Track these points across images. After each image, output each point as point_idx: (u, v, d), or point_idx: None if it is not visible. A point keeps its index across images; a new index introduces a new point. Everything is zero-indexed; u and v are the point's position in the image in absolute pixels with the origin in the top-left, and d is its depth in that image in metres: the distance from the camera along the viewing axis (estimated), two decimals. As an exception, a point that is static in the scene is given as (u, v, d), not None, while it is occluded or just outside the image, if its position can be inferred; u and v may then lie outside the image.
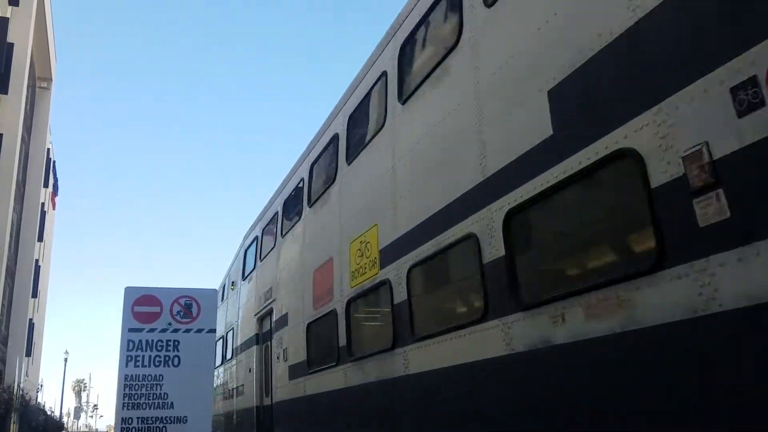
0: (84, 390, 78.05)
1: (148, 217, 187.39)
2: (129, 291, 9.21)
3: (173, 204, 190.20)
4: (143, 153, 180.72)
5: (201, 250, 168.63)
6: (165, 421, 8.90)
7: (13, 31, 24.72)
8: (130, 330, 9.10)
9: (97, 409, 70.55)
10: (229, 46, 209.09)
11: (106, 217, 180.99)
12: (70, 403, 74.41)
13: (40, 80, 32.91)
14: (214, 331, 9.56)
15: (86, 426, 71.75)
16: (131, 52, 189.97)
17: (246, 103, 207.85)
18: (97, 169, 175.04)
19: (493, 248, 4.96)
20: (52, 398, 68.71)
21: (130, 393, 8.91)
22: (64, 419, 53.04)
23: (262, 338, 12.72)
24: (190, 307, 9.36)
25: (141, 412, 8.88)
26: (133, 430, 8.79)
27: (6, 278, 27.28)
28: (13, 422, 22.52)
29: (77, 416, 65.26)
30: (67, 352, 48.94)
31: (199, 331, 9.36)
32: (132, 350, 9.04)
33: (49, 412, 36.02)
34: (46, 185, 35.45)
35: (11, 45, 24.50)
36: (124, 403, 8.87)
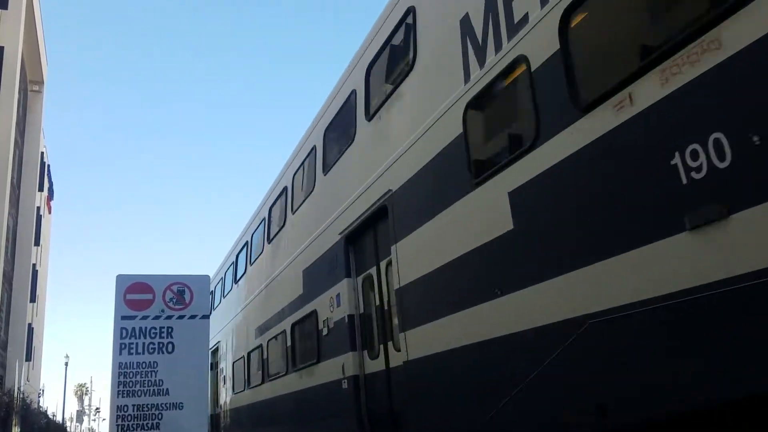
0: (86, 394, 78.02)
1: (147, 220, 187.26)
2: (121, 279, 9.20)
3: (172, 205, 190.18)
4: (140, 154, 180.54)
5: (203, 250, 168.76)
6: (161, 408, 8.89)
7: (2, 34, 24.66)
8: (123, 318, 9.09)
9: (99, 412, 70.47)
10: (226, 48, 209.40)
11: (104, 220, 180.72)
12: (72, 407, 74.42)
13: (31, 83, 32.84)
14: (207, 317, 9.55)
15: (89, 429, 71.71)
16: (125, 53, 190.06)
17: (244, 104, 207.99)
18: (93, 173, 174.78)
19: None
20: (54, 403, 68.67)
21: (125, 381, 8.90)
22: (67, 423, 53.04)
23: None
24: (182, 293, 9.35)
25: (136, 400, 8.87)
26: (129, 417, 8.78)
27: (3, 283, 27.23)
28: (15, 425, 22.48)
29: (80, 420, 65.21)
30: (67, 356, 48.89)
31: (193, 317, 9.35)
32: (125, 338, 9.03)
33: (51, 416, 36.01)
34: (41, 189, 35.35)
35: (1, 48, 24.42)
36: (119, 390, 8.87)
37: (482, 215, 5.23)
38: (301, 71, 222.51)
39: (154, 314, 9.20)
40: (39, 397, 34.99)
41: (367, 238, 7.90)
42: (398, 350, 6.78)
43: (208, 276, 10.15)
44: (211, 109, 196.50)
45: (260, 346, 12.04)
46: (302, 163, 10.32)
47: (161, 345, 9.10)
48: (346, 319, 8.02)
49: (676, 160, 3.43)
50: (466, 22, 5.69)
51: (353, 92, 8.31)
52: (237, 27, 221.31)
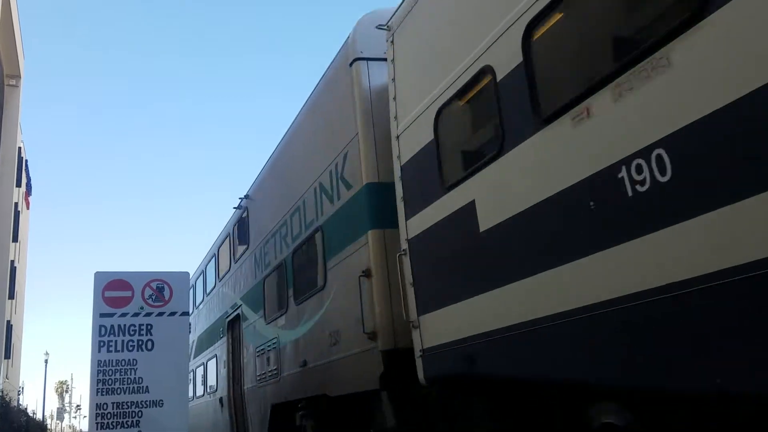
0: (67, 391, 77.38)
1: (127, 216, 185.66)
2: (99, 276, 9.14)
3: (153, 201, 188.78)
4: (121, 149, 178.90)
5: (184, 247, 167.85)
6: (140, 406, 8.87)
7: (-23, 27, 24.21)
8: (102, 315, 9.04)
9: (80, 409, 69.94)
10: (208, 43, 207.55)
11: (84, 216, 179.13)
12: (53, 404, 73.76)
13: (8, 78, 32.32)
14: (187, 313, 9.53)
15: (70, 427, 71.12)
16: (104, 48, 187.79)
17: (229, 99, 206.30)
18: (73, 168, 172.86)
19: None
20: (34, 400, 68.11)
21: (104, 378, 8.86)
22: (47, 421, 52.57)
23: None
24: (162, 290, 9.31)
25: (115, 398, 8.83)
26: (109, 415, 8.74)
27: (-19, 280, 26.85)
28: (-6, 424, 22.25)
29: (60, 417, 64.67)
30: (47, 353, 48.46)
31: (172, 314, 9.31)
32: (104, 335, 8.98)
33: (31, 414, 35.65)
34: (19, 185, 34.86)
35: (-24, 41, 24.00)
36: (98, 389, 8.83)
37: None
38: (285, 61, 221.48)
39: (133, 311, 9.16)
40: (18, 395, 34.64)
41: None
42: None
43: (188, 273, 10.09)
44: (192, 104, 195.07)
45: None
46: None
47: (140, 342, 9.06)
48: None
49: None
50: None
51: None
52: (221, 18, 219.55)
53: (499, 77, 4.46)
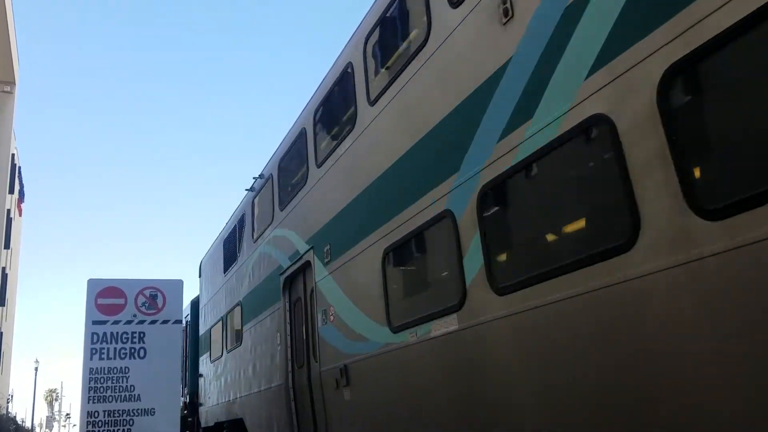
0: (56, 400, 76.78)
1: (121, 223, 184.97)
2: (92, 283, 9.12)
3: (147, 208, 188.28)
4: (116, 156, 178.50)
5: (178, 255, 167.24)
6: (132, 414, 8.83)
7: (-29, 33, 24.17)
8: (94, 322, 9.02)
9: (69, 418, 69.41)
10: (203, 46, 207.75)
11: (78, 223, 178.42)
12: (42, 413, 73.10)
13: (2, 84, 32.27)
14: (180, 321, 9.50)
15: (59, 436, 70.56)
16: (99, 52, 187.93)
17: (224, 104, 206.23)
18: (66, 174, 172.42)
19: None
20: (23, 408, 67.61)
21: (96, 386, 8.83)
22: (36, 429, 52.14)
23: None
24: (155, 298, 9.29)
25: (107, 405, 8.80)
26: (100, 423, 8.70)
27: (-29, 286, 26.69)
28: (-18, 432, 22.07)
29: (50, 426, 64.15)
30: (37, 361, 48.10)
31: (165, 322, 9.30)
32: (96, 343, 8.96)
33: (20, 423, 35.39)
34: (11, 191, 34.70)
35: (-30, 48, 23.95)
36: (89, 396, 8.79)
37: None
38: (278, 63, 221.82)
39: (125, 319, 9.15)
40: (8, 402, 34.37)
41: None
42: None
43: (182, 280, 10.06)
44: (189, 109, 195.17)
45: None
46: None
47: (133, 350, 9.04)
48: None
49: None
50: None
51: None
52: (219, 17, 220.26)
53: None
